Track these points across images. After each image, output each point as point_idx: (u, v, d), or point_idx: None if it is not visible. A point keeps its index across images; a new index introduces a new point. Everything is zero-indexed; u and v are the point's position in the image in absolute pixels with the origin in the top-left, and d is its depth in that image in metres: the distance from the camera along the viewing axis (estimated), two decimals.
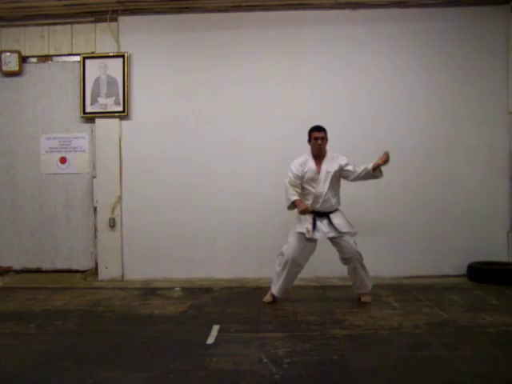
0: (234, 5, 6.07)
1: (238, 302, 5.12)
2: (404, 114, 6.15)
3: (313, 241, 4.84)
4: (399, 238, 6.11)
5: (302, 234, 4.78)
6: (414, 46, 6.14)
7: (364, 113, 6.15)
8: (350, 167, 4.84)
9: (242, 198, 6.15)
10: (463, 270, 5.96)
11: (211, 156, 6.22)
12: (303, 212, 4.69)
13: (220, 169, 6.21)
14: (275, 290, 4.95)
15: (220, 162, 6.21)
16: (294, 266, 4.84)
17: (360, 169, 4.81)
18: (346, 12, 6.13)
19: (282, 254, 4.88)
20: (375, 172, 4.76)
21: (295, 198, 4.72)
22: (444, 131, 6.13)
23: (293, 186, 4.78)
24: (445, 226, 6.12)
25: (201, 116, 6.25)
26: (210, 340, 3.90)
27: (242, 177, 6.18)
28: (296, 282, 5.74)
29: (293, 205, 4.77)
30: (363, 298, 4.99)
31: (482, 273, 5.72)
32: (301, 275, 5.69)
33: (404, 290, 5.44)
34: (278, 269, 4.91)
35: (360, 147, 6.07)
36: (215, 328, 4.17)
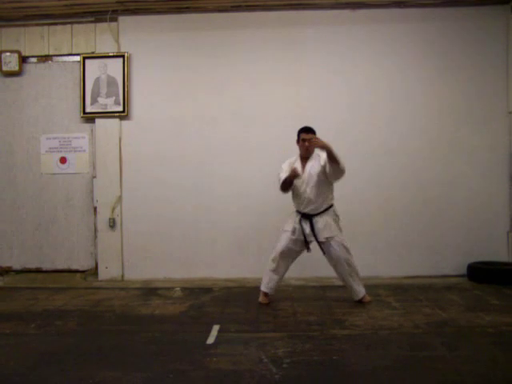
0: (233, 5, 6.07)
1: (237, 301, 5.12)
2: (404, 114, 6.15)
3: (299, 241, 4.85)
4: (399, 238, 6.10)
5: (287, 231, 4.86)
6: (413, 46, 6.13)
7: (364, 112, 6.15)
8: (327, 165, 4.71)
9: (241, 198, 6.15)
10: (463, 270, 5.96)
11: (211, 156, 6.22)
12: (292, 173, 4.59)
13: (220, 169, 6.21)
14: (263, 284, 4.98)
15: (220, 162, 6.21)
16: (281, 262, 4.88)
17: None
18: (346, 12, 6.13)
19: (273, 249, 4.96)
20: (331, 162, 4.59)
21: (283, 176, 4.71)
22: (444, 131, 6.13)
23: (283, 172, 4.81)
24: (445, 226, 6.12)
25: (201, 116, 6.24)
26: (210, 340, 3.90)
27: (242, 177, 6.18)
28: (296, 282, 5.78)
29: (284, 183, 4.73)
30: (363, 298, 4.97)
31: (481, 273, 5.71)
32: (301, 275, 5.73)
33: (404, 290, 5.44)
34: (268, 264, 4.96)
35: (360, 147, 6.09)
36: (215, 328, 4.17)
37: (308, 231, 4.79)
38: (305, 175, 4.80)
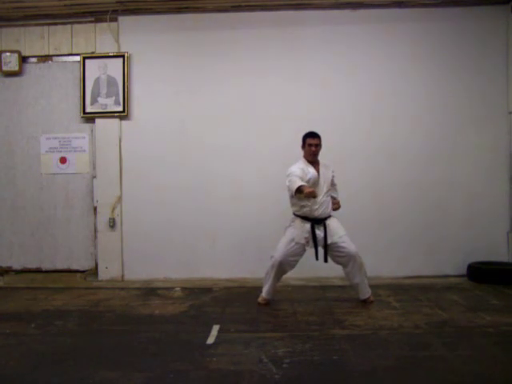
0: (233, 5, 6.06)
1: (237, 301, 5.11)
2: (404, 114, 6.14)
3: (307, 249, 4.85)
4: (399, 238, 6.10)
5: (299, 243, 4.78)
6: (413, 46, 6.13)
7: (364, 113, 6.14)
8: (334, 181, 5.02)
9: (241, 198, 6.14)
10: (463, 270, 5.96)
11: (211, 156, 6.21)
12: (311, 193, 4.47)
13: (220, 168, 6.20)
14: (264, 291, 4.97)
15: (220, 162, 6.20)
16: (281, 269, 4.86)
17: (334, 191, 5.03)
18: (346, 12, 6.13)
19: (271, 256, 4.89)
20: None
21: (300, 183, 4.58)
22: (444, 131, 6.12)
23: (298, 177, 4.67)
24: (445, 226, 6.12)
25: (201, 116, 6.24)
26: (210, 340, 3.90)
27: (242, 176, 6.17)
28: (296, 282, 5.77)
29: (298, 191, 4.59)
30: (368, 298, 4.96)
31: (482, 273, 5.71)
32: (301, 275, 5.72)
33: (404, 290, 5.44)
34: (268, 270, 4.92)
35: (361, 148, 6.09)
36: (215, 328, 4.17)
37: (322, 236, 4.79)
38: (321, 180, 4.83)
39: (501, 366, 3.35)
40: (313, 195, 4.53)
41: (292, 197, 4.82)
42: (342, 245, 4.79)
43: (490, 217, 6.12)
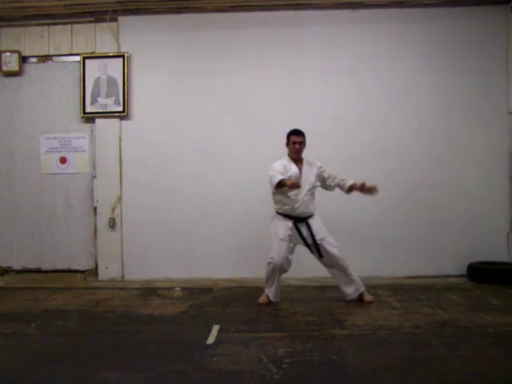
0: (233, 5, 6.06)
1: (237, 301, 5.11)
2: (403, 114, 6.14)
3: (294, 246, 4.87)
4: (400, 239, 6.09)
5: (284, 241, 4.77)
6: (413, 46, 6.13)
7: (364, 113, 6.13)
8: (325, 172, 4.93)
9: (242, 198, 6.13)
10: (463, 270, 5.96)
11: (211, 156, 6.21)
12: (294, 185, 4.51)
13: (220, 169, 6.20)
14: (271, 295, 4.95)
15: (220, 162, 6.21)
16: (282, 269, 4.85)
17: (337, 177, 4.90)
18: (346, 12, 6.13)
19: (269, 261, 4.85)
20: (348, 191, 4.87)
21: (281, 177, 4.62)
22: (444, 131, 6.12)
23: (279, 172, 4.71)
24: (445, 226, 6.11)
25: (200, 116, 6.24)
26: (210, 340, 3.90)
27: (243, 177, 6.16)
28: (296, 282, 5.78)
29: (279, 185, 4.63)
30: (365, 298, 4.96)
31: (482, 273, 5.71)
32: (301, 275, 5.73)
33: (404, 290, 5.44)
34: (269, 275, 4.89)
35: (359, 148, 6.09)
36: (215, 328, 4.17)
37: (306, 234, 4.81)
38: (303, 178, 4.82)
39: (501, 366, 3.35)
40: (296, 185, 4.54)
41: (274, 193, 4.84)
42: (325, 245, 4.80)
43: (490, 217, 6.11)
